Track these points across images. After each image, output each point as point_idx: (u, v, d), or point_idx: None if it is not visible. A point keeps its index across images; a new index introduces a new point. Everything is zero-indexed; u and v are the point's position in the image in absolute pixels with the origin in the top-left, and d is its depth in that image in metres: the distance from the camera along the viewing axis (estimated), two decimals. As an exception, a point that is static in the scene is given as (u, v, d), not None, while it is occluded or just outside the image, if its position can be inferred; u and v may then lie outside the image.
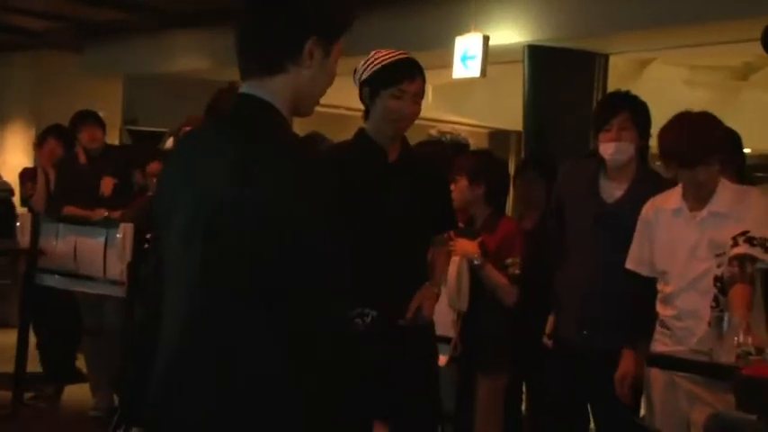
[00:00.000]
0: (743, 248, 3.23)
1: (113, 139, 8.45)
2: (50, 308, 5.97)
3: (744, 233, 3.27)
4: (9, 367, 5.80)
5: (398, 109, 3.25)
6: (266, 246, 1.90)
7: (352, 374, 1.97)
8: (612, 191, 3.88)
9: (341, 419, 1.95)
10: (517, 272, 4.36)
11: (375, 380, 2.77)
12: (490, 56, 7.02)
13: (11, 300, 6.72)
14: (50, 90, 10.14)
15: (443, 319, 4.05)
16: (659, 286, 3.56)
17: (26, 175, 6.71)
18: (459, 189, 4.41)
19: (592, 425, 4.10)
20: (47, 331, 6.19)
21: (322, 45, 2.03)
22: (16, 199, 6.85)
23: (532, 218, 4.86)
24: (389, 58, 3.28)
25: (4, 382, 5.80)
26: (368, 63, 3.30)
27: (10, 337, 6.05)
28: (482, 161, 4.65)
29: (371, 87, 3.27)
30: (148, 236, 5.37)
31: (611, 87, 7.61)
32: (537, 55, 7.33)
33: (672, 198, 3.58)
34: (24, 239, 5.80)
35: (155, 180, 5.57)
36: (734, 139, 4.02)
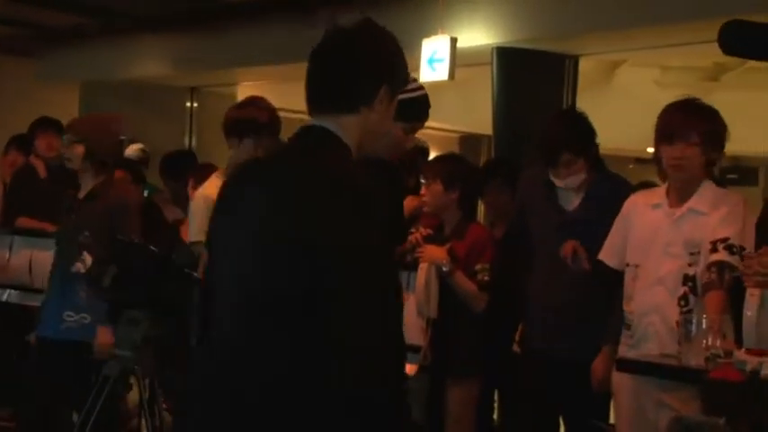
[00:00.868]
0: (722, 255, 3.24)
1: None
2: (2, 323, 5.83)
3: (724, 239, 3.26)
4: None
5: (405, 143, 3.28)
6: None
7: None
8: (570, 198, 3.89)
9: None
10: (487, 278, 4.31)
11: None
12: (458, 58, 6.95)
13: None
14: (4, 97, 9.96)
15: (412, 327, 3.99)
16: (627, 280, 3.51)
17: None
18: (433, 194, 4.38)
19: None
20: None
21: (389, 93, 2.29)
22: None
23: (503, 225, 4.81)
24: (413, 90, 3.22)
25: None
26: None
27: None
28: (457, 166, 4.60)
29: (397, 113, 3.22)
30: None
31: (581, 90, 7.57)
32: (505, 57, 7.27)
33: (655, 195, 3.58)
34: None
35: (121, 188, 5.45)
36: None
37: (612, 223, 3.65)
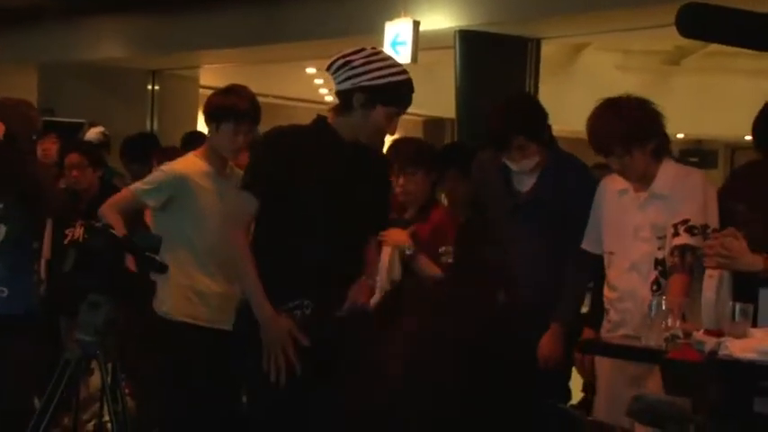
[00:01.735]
0: (683, 239, 3.26)
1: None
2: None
3: (684, 221, 3.29)
4: None
5: (388, 128, 3.23)
6: None
7: None
8: (525, 180, 3.87)
9: None
10: (450, 260, 4.31)
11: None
12: (421, 41, 6.95)
13: None
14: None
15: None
16: (605, 267, 3.55)
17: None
18: (418, 182, 4.33)
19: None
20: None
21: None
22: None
23: (464, 209, 4.80)
24: (396, 74, 3.15)
25: None
26: (369, 68, 3.13)
27: None
28: (432, 151, 4.60)
29: (369, 96, 3.14)
30: (67, 231, 5.22)
31: (544, 73, 7.60)
32: (468, 40, 7.27)
33: (621, 180, 3.57)
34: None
35: (73, 172, 5.38)
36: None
37: (567, 204, 3.69)
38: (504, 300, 2.81)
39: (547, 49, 7.73)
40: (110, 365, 3.86)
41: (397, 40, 6.94)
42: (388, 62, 3.19)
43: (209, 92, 11.40)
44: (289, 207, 3.20)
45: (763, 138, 3.58)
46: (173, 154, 5.20)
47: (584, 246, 3.66)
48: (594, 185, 3.71)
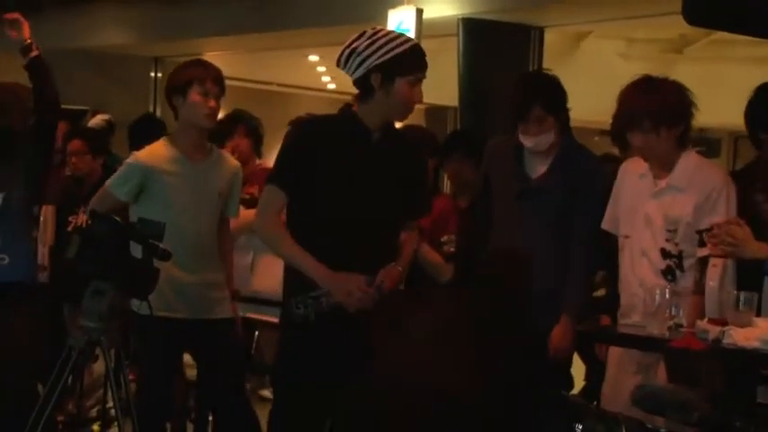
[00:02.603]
0: (707, 251, 3.20)
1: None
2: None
3: (710, 230, 3.21)
4: None
5: (413, 96, 3.20)
6: None
7: None
8: (536, 166, 3.86)
9: None
10: (452, 249, 4.31)
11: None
12: (424, 29, 6.94)
13: None
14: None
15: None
16: (620, 249, 3.55)
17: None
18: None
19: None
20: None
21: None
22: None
23: (467, 196, 4.80)
24: (402, 44, 3.16)
25: None
26: (376, 47, 3.14)
27: None
28: (434, 139, 4.61)
29: (385, 73, 3.14)
30: (71, 218, 5.23)
31: (546, 62, 7.58)
32: (471, 28, 7.26)
33: (642, 164, 3.55)
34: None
35: (72, 159, 5.38)
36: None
37: (575, 193, 3.68)
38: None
39: (549, 37, 7.70)
40: (113, 352, 3.88)
41: (399, 27, 6.91)
42: (391, 36, 3.19)
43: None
44: (314, 196, 3.16)
45: (753, 125, 3.57)
46: None
47: (605, 225, 3.64)
48: (602, 177, 3.70)
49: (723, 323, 2.90)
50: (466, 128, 7.13)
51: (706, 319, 2.96)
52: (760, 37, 4.56)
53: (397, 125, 3.53)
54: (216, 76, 3.88)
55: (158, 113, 9.81)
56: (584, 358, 4.77)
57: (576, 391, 4.14)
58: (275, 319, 3.98)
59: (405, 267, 3.36)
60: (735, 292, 2.97)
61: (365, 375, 2.65)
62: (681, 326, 2.95)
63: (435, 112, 12.70)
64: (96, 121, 6.27)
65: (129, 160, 4.00)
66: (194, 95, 3.82)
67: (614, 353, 3.55)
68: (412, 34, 6.88)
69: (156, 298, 3.74)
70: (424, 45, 7.11)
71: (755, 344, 2.76)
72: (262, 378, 5.76)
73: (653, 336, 3.04)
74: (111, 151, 5.95)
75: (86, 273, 3.78)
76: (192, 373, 4.41)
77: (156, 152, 3.93)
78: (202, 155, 3.93)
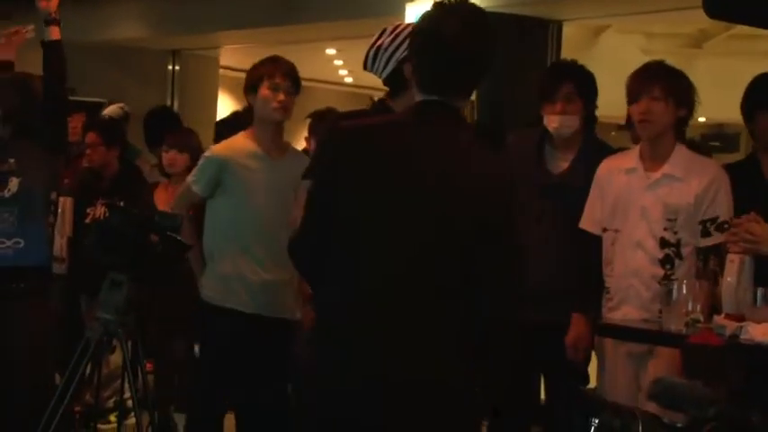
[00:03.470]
0: (716, 239, 3.30)
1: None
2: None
3: (713, 219, 3.32)
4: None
5: None
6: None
7: None
8: (558, 162, 3.86)
9: None
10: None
11: None
12: (442, 23, 6.91)
13: None
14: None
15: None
16: (606, 244, 3.54)
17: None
18: None
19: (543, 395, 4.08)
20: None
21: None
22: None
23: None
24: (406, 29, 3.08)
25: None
26: (401, 40, 3.04)
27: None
28: None
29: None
30: (89, 210, 5.26)
31: (564, 56, 7.55)
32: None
33: (628, 157, 3.60)
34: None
35: (88, 151, 5.38)
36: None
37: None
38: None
39: (568, 31, 7.67)
40: (130, 343, 3.90)
41: (417, 21, 6.91)
42: (412, 26, 3.08)
43: (229, 72, 11.36)
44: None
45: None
46: (184, 137, 5.17)
47: (586, 226, 3.64)
48: None
49: (740, 319, 2.89)
50: (483, 122, 7.12)
51: (723, 315, 2.95)
52: (780, 31, 4.54)
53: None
54: (286, 71, 3.85)
55: (175, 106, 9.85)
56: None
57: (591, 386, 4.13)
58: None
59: None
60: (752, 288, 2.98)
61: None
62: (698, 321, 2.95)
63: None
64: (113, 108, 6.27)
65: (206, 153, 4.00)
66: (264, 90, 3.80)
67: (607, 345, 3.55)
68: (429, 28, 6.87)
69: (225, 293, 3.76)
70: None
71: (773, 340, 2.76)
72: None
73: (670, 331, 3.04)
74: (129, 143, 5.95)
75: (104, 265, 3.81)
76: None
77: (235, 145, 3.90)
78: (281, 152, 3.91)
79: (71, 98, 4.52)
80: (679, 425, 2.65)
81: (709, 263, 3.30)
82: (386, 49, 3.09)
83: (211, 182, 3.83)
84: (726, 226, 3.30)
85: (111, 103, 6.62)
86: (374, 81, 3.29)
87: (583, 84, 3.82)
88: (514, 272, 2.42)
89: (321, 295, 2.43)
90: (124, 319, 3.77)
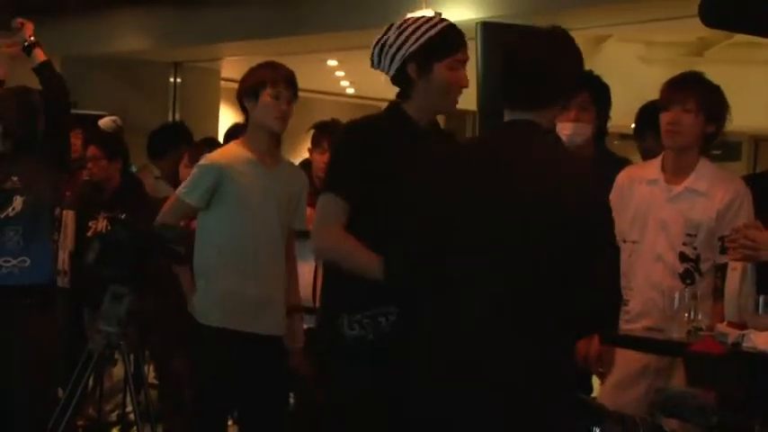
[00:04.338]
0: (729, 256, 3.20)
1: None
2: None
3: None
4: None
5: (457, 80, 2.92)
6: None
7: None
8: None
9: None
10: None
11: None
12: (443, 33, 6.93)
13: None
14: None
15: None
16: (623, 256, 3.51)
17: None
18: None
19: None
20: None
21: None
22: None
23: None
24: (434, 26, 2.91)
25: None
26: (405, 36, 2.90)
27: None
28: None
29: (420, 61, 2.89)
30: (91, 223, 5.26)
31: (565, 64, 7.55)
32: (489, 32, 7.23)
33: (650, 168, 3.55)
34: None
35: (89, 164, 5.39)
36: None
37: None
38: None
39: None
40: (132, 356, 3.90)
41: (418, 31, 6.91)
42: (420, 21, 2.95)
43: (231, 84, 11.36)
44: (371, 203, 2.83)
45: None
46: (205, 152, 5.15)
47: None
48: None
49: (743, 327, 2.88)
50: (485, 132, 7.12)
51: (725, 323, 2.94)
52: (779, 39, 4.53)
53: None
54: (289, 79, 3.71)
55: (177, 118, 9.87)
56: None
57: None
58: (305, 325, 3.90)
59: None
60: (755, 295, 2.96)
61: None
62: (700, 329, 2.93)
63: (454, 116, 12.70)
64: (105, 121, 6.28)
65: (200, 162, 3.79)
66: (266, 98, 3.65)
67: (619, 356, 3.51)
68: (430, 38, 6.87)
69: (216, 309, 3.61)
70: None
71: (776, 348, 2.74)
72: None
73: (672, 339, 3.03)
74: (128, 156, 5.90)
75: (105, 278, 3.81)
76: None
77: (229, 153, 3.74)
78: (275, 161, 3.77)
79: (72, 111, 4.52)
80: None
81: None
82: (390, 46, 2.91)
83: (208, 192, 3.65)
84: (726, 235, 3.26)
85: (103, 115, 6.63)
86: (376, 92, 3.27)
87: (598, 94, 3.82)
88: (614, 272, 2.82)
89: (429, 303, 2.56)
90: (126, 331, 3.77)
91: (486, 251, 2.48)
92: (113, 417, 5.18)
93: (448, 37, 2.92)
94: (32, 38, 4.15)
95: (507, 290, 2.45)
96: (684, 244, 3.38)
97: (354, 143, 2.93)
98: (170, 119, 10.06)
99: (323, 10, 8.02)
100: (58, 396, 4.12)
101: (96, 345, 3.79)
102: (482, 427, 2.42)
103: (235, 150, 3.75)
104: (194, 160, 4.98)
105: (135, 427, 4.00)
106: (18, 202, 3.92)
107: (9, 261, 3.89)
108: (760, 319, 2.88)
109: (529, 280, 2.45)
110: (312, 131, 4.99)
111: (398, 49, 2.90)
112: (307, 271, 4.19)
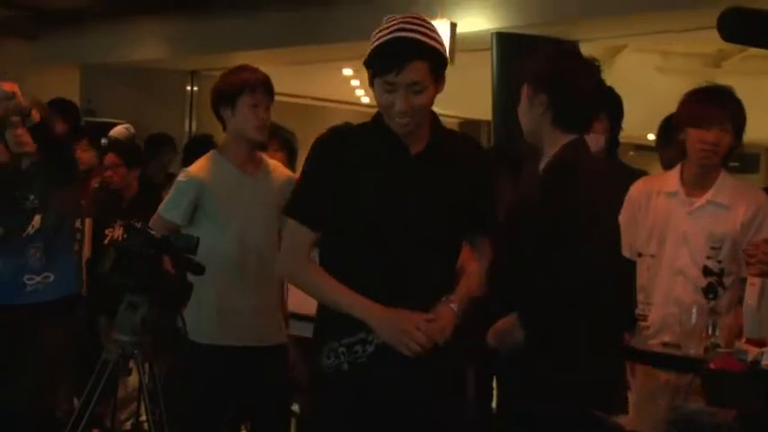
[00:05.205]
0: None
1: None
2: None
3: None
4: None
5: (390, 104, 2.57)
6: None
7: None
8: None
9: None
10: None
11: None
12: (458, 43, 6.93)
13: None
14: (3, 79, 9.87)
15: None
16: (640, 270, 3.48)
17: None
18: None
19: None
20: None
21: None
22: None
23: (502, 209, 4.76)
24: (385, 35, 2.57)
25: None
26: (372, 40, 2.62)
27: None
28: None
29: (369, 72, 2.62)
30: (107, 231, 5.27)
31: (581, 75, 7.53)
32: (504, 42, 7.24)
33: (668, 180, 3.51)
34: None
35: (108, 172, 5.40)
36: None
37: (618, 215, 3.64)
38: None
39: (584, 51, 7.64)
40: (147, 365, 3.89)
41: (434, 41, 6.91)
42: (387, 24, 2.60)
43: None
44: (346, 223, 2.61)
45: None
46: None
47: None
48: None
49: (762, 344, 2.85)
50: (499, 142, 7.11)
51: (744, 340, 2.91)
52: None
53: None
54: (266, 84, 3.60)
55: (193, 127, 9.89)
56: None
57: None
58: (305, 334, 3.92)
59: (460, 300, 2.66)
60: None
61: None
62: (718, 346, 2.91)
63: (469, 126, 12.69)
64: (118, 129, 6.30)
65: (179, 178, 3.71)
66: (243, 107, 3.54)
67: (639, 372, 3.49)
68: (446, 48, 6.87)
69: (206, 325, 3.56)
70: (458, 59, 7.15)
71: (795, 365, 2.72)
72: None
73: (689, 356, 3.00)
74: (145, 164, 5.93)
75: (121, 286, 3.80)
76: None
77: (207, 166, 3.62)
78: (255, 166, 3.66)
79: (90, 119, 4.55)
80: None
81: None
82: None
83: (190, 207, 3.56)
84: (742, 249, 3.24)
85: (121, 123, 6.66)
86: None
87: (611, 106, 3.80)
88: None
89: None
90: (140, 340, 3.76)
91: None
92: (128, 425, 5.17)
93: (387, 52, 2.56)
94: (26, 106, 3.89)
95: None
96: (708, 257, 3.35)
97: (323, 159, 2.66)
98: (186, 127, 10.09)
99: (338, 19, 8.03)
100: (73, 405, 4.13)
101: (111, 354, 3.78)
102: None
103: (213, 161, 3.63)
104: None
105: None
106: (37, 220, 3.94)
107: (33, 278, 3.91)
108: (779, 336, 2.86)
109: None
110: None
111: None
112: None
